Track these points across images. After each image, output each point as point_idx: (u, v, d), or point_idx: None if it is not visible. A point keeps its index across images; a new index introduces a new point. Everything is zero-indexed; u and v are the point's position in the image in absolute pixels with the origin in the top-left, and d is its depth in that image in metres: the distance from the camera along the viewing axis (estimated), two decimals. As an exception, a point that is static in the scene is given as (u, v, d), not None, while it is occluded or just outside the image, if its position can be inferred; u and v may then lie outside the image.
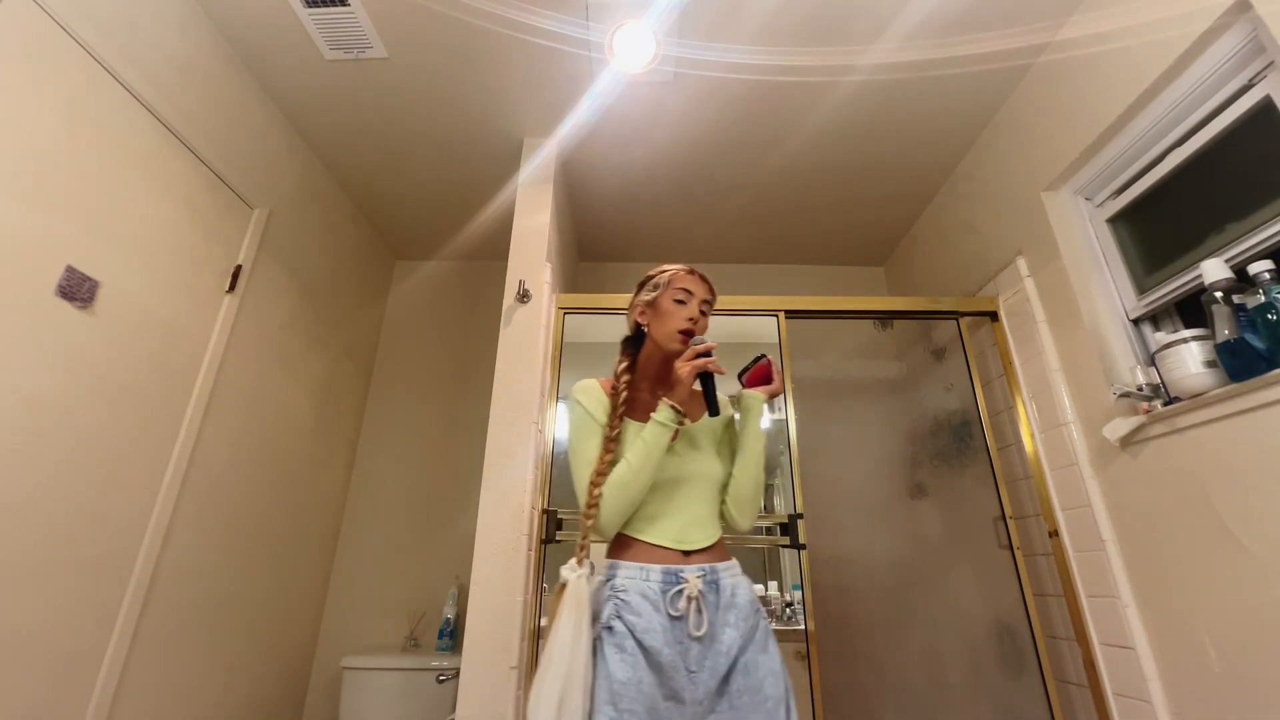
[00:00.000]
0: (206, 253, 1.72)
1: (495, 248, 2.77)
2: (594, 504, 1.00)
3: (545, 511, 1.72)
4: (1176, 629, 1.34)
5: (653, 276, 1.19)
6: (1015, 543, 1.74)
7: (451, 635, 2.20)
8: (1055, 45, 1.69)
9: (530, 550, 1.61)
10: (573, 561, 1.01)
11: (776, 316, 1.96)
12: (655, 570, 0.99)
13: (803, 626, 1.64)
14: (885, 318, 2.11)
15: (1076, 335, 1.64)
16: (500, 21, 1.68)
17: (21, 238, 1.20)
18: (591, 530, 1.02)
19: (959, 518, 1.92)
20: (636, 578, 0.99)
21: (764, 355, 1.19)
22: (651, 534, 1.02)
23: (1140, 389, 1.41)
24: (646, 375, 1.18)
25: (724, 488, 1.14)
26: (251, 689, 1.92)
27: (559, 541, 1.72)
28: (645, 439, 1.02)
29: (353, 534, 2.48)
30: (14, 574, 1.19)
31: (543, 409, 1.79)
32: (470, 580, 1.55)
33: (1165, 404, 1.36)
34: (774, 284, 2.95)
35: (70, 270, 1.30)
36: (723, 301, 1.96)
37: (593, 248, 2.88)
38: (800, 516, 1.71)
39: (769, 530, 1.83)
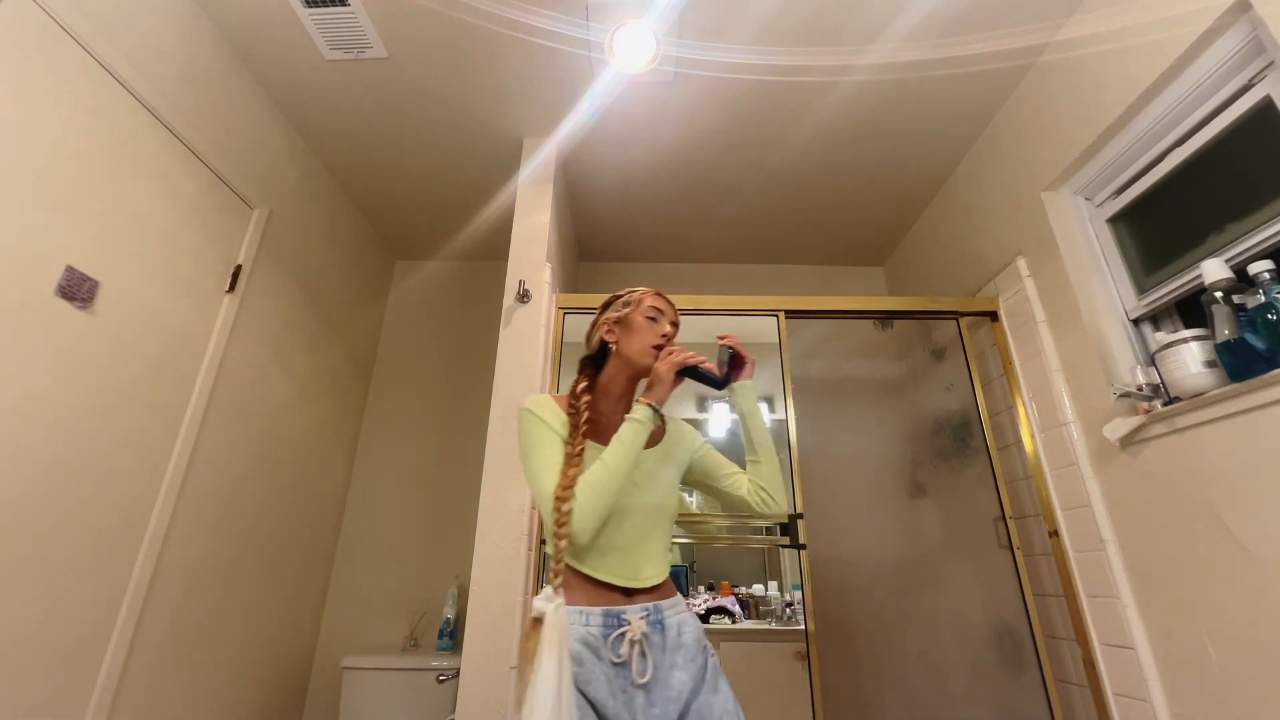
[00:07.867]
0: (206, 253, 1.72)
1: (495, 248, 2.77)
2: (564, 520, 0.91)
3: (545, 511, 1.72)
4: (1176, 629, 1.34)
5: (621, 295, 1.16)
6: (1015, 543, 1.74)
7: (451, 635, 2.20)
8: (1055, 45, 1.69)
9: (530, 550, 1.61)
10: (548, 590, 0.89)
11: (776, 316, 1.96)
12: (596, 614, 0.92)
13: (803, 626, 1.64)
14: (885, 318, 2.11)
15: (1076, 335, 1.64)
16: (500, 21, 1.68)
17: (21, 238, 1.20)
18: (565, 550, 0.92)
19: (959, 518, 1.92)
20: (577, 623, 0.91)
21: (722, 339, 1.13)
22: (601, 569, 0.95)
23: (1140, 389, 1.41)
24: (609, 395, 1.09)
25: (674, 518, 1.09)
26: (251, 688, 1.92)
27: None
28: (622, 438, 0.96)
29: (353, 534, 2.48)
30: (15, 573, 1.19)
31: (543, 409, 1.79)
32: (470, 580, 1.55)
33: (1165, 404, 1.35)
34: (774, 284, 2.95)
35: (70, 270, 1.30)
36: (723, 302, 1.99)
37: (593, 248, 2.88)
38: (800, 516, 1.71)
39: (769, 530, 1.83)
